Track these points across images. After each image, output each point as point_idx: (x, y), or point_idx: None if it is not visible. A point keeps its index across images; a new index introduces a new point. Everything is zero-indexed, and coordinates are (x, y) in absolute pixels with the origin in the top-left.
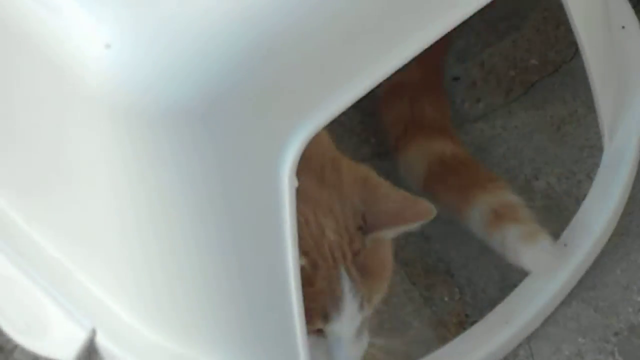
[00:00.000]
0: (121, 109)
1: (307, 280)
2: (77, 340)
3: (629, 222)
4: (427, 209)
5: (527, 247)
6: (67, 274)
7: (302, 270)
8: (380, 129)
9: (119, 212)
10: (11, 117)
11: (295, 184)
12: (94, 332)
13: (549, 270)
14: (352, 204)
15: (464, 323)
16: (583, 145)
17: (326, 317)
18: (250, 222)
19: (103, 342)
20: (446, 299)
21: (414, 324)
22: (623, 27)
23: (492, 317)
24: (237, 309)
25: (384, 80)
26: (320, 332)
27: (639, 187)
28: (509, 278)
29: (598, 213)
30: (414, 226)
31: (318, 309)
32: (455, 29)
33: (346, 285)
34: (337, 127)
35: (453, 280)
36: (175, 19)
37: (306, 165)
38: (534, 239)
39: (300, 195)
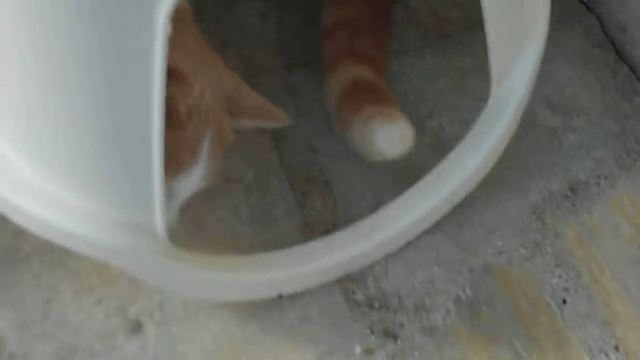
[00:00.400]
0: None
1: (179, 125)
2: None
3: (507, 175)
4: (282, 115)
5: (382, 127)
6: None
7: (179, 113)
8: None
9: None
10: None
11: (169, 30)
12: None
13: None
14: (224, 89)
15: (330, 232)
16: (482, 97)
17: (177, 170)
18: (123, 54)
19: None
20: (319, 207)
21: (282, 222)
22: None
23: (355, 229)
24: (102, 142)
25: (332, 14)
26: None
27: (523, 145)
28: (382, 201)
29: (473, 151)
30: (267, 125)
31: (175, 161)
32: None
33: (205, 147)
34: (253, 38)
35: (329, 192)
36: None
37: (188, 23)
38: (392, 120)
39: (190, 58)
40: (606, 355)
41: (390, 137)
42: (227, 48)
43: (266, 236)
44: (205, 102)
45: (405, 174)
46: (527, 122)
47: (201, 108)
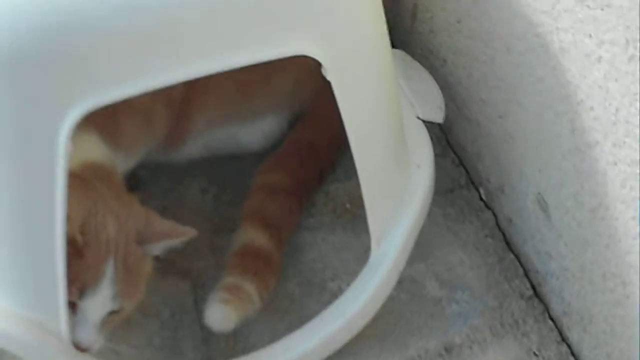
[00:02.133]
0: None
1: (78, 252)
2: None
3: (391, 331)
4: (189, 231)
5: (214, 303)
6: None
7: (75, 242)
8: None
9: None
10: None
11: (70, 149)
12: None
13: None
14: (135, 224)
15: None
16: None
17: (83, 292)
18: (29, 171)
19: None
20: (221, 344)
21: (188, 354)
22: (418, 166)
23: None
24: (13, 249)
25: (260, 177)
26: (73, 307)
27: (409, 309)
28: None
29: (351, 301)
30: (177, 242)
31: (78, 282)
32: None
33: (109, 271)
34: (191, 207)
35: (232, 333)
36: None
37: (108, 178)
38: (227, 300)
39: (99, 196)
40: None
41: (214, 314)
42: (167, 213)
43: None
44: (106, 234)
45: (301, 322)
46: (416, 291)
47: (100, 239)
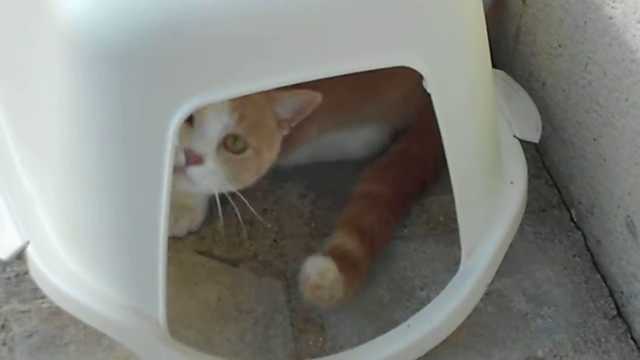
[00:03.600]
0: (80, 43)
1: None
2: (13, 246)
3: (476, 341)
4: (313, 94)
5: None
6: (25, 189)
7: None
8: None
9: (57, 132)
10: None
11: (176, 142)
12: (27, 243)
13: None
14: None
15: None
16: None
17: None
18: (138, 163)
19: (31, 252)
20: (310, 343)
21: (278, 350)
22: (512, 182)
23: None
24: (119, 241)
25: (361, 186)
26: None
27: (495, 321)
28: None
29: (439, 309)
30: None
31: None
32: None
33: None
34: (290, 210)
35: (322, 333)
36: None
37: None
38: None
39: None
40: None
41: (315, 262)
42: (266, 215)
43: (261, 359)
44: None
45: (388, 327)
46: (502, 304)
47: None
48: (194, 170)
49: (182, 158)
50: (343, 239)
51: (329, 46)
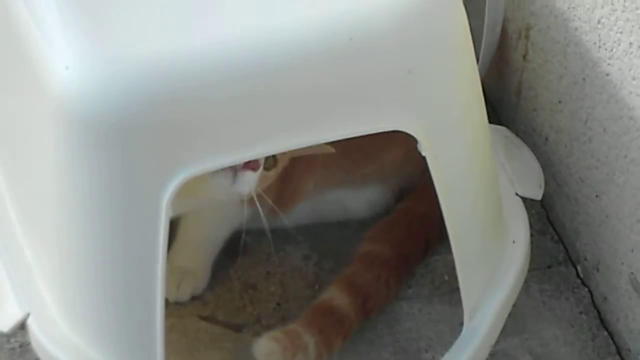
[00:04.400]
0: (71, 117)
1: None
2: (14, 317)
3: None
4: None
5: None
6: (25, 260)
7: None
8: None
9: (51, 201)
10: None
11: (171, 213)
12: (27, 315)
13: None
14: None
15: None
16: None
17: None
18: (133, 233)
19: (32, 324)
20: None
21: None
22: (514, 241)
23: None
24: (116, 312)
25: (364, 245)
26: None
27: None
28: None
29: None
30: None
31: None
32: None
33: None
34: (293, 272)
35: None
36: (118, 60)
37: None
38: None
39: None
40: None
41: (260, 346)
42: (270, 278)
43: None
44: None
45: None
46: None
47: None
48: (248, 175)
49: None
50: (333, 294)
51: (321, 113)
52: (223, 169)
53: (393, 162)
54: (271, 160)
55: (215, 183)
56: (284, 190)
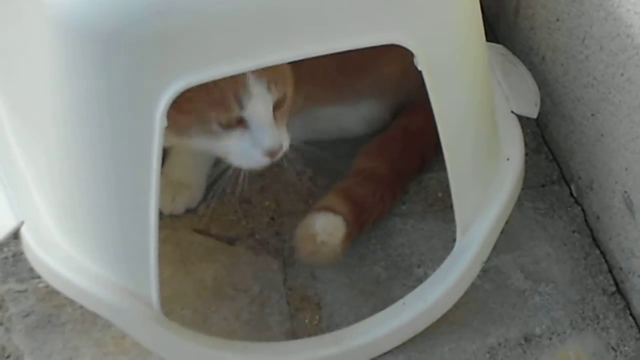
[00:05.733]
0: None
1: None
2: (7, 226)
3: (473, 319)
4: None
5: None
6: (20, 170)
7: None
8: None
9: (46, 109)
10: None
11: (165, 124)
12: (21, 223)
13: None
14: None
15: None
16: None
17: (240, 103)
18: (128, 143)
19: (26, 233)
20: (307, 321)
21: (274, 328)
22: (508, 159)
23: (327, 336)
24: (111, 224)
25: (358, 162)
26: (243, 124)
27: (492, 298)
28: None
29: (434, 287)
30: None
31: (231, 97)
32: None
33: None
34: (287, 187)
35: (318, 311)
36: None
37: None
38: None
39: None
40: None
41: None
42: (264, 192)
43: (257, 337)
44: None
45: (385, 305)
46: (500, 282)
47: None
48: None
49: (265, 160)
50: (332, 202)
51: (316, 25)
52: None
53: (390, 77)
54: (278, 96)
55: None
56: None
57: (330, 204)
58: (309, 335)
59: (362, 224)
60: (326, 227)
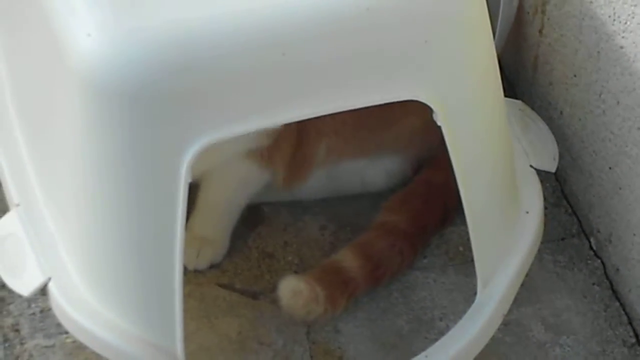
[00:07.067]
0: (92, 84)
1: None
2: (35, 282)
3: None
4: None
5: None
6: (47, 227)
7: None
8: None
9: (73, 167)
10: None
11: (189, 179)
12: (49, 279)
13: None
14: None
15: None
16: None
17: None
18: (153, 199)
19: (53, 289)
20: None
21: None
22: (527, 212)
23: None
24: (138, 280)
25: (380, 215)
26: None
27: (513, 350)
28: None
29: (456, 340)
30: None
31: None
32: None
33: None
34: (311, 242)
35: None
36: (139, 29)
37: None
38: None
39: None
40: None
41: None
42: (287, 247)
43: None
44: None
45: (407, 358)
46: (521, 334)
47: None
48: None
49: None
50: (343, 256)
51: (337, 82)
52: None
53: (410, 132)
54: None
55: None
56: (295, 157)
57: (338, 258)
58: None
59: (379, 278)
60: (285, 293)
